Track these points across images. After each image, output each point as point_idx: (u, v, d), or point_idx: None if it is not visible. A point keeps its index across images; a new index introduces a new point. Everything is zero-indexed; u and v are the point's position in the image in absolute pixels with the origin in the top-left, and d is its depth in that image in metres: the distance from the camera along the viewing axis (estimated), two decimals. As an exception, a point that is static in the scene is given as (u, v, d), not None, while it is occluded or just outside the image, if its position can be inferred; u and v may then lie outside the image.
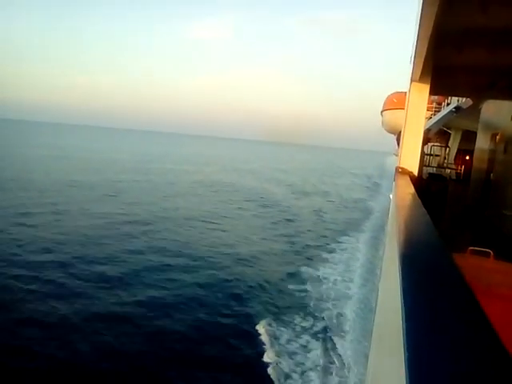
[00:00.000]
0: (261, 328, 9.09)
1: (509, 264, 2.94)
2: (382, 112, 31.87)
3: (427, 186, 13.64)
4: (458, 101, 17.47)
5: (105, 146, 77.14)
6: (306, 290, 12.29)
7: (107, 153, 59.62)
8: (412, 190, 4.42)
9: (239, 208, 24.55)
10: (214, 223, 20.38)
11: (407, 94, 7.47)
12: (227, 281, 12.29)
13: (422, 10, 3.81)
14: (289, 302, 11.17)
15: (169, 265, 13.55)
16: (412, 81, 7.22)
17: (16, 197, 22.79)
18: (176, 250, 15.15)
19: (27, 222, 17.71)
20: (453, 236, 9.26)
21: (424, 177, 14.47)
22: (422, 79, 7.05)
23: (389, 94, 36.61)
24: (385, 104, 34.69)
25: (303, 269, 14.47)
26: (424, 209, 3.91)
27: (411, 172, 7.12)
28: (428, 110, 24.07)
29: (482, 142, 13.28)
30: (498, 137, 11.02)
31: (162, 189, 29.41)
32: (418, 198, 3.95)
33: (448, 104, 19.83)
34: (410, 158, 7.27)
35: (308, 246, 17.85)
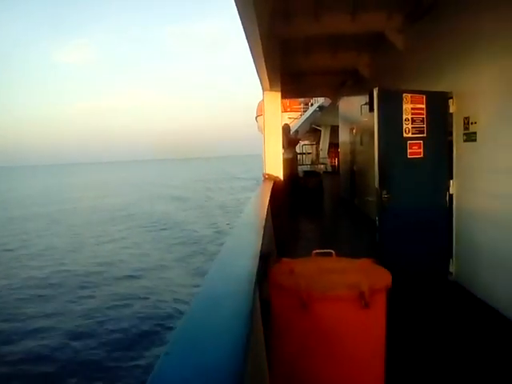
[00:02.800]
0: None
1: (348, 259, 3.11)
2: (256, 118, 33.12)
3: (304, 183, 14.41)
4: (318, 100, 18.87)
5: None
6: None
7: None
8: (265, 199, 4.57)
9: (128, 230, 23.06)
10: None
11: (262, 103, 7.77)
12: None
13: (257, 24, 3.96)
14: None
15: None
16: (264, 90, 7.52)
17: None
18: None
19: None
20: (331, 230, 9.92)
21: (300, 175, 15.25)
22: (272, 87, 7.37)
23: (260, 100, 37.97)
24: (257, 110, 36.13)
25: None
26: (269, 219, 4.05)
27: (277, 177, 7.39)
28: (297, 111, 25.61)
29: (344, 136, 14.41)
30: (354, 130, 12.01)
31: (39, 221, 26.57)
32: (267, 207, 4.06)
33: (312, 104, 21.34)
34: (274, 163, 7.55)
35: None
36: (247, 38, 4.42)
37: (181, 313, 9.46)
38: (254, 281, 1.67)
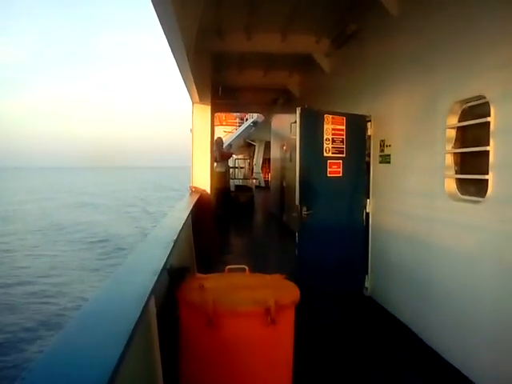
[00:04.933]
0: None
1: (259, 275, 3.14)
2: (190, 129, 33.01)
3: (235, 197, 14.46)
4: (253, 116, 19.18)
5: None
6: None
7: None
8: (184, 213, 4.51)
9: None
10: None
11: (191, 115, 7.73)
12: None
13: (181, 39, 3.93)
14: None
15: None
16: (193, 102, 7.50)
17: None
18: None
19: None
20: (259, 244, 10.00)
21: (232, 189, 15.30)
22: (202, 100, 7.37)
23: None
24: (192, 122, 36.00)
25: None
26: (186, 233, 4.03)
27: (204, 190, 7.35)
28: (232, 125, 25.82)
29: (275, 152, 14.69)
30: (284, 147, 12.28)
31: None
32: (185, 220, 4.02)
33: (247, 119, 21.65)
34: (202, 176, 7.52)
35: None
36: (173, 52, 4.40)
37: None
38: (146, 297, 1.63)
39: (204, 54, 7.07)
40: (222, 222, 10.47)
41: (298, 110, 5.11)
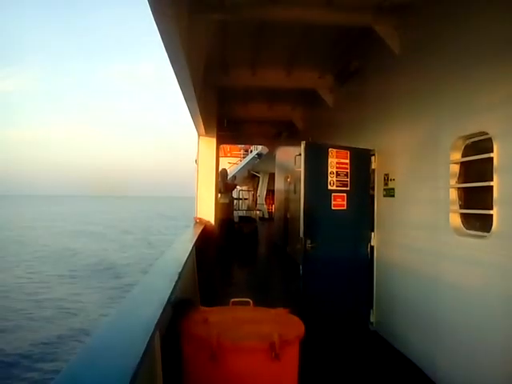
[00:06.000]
0: None
1: (264, 309, 3.12)
2: (195, 160, 33.38)
3: (239, 229, 14.43)
4: (257, 148, 19.40)
5: None
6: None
7: None
8: (189, 245, 4.52)
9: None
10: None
11: (197, 147, 7.84)
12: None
13: (189, 74, 4.06)
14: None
15: None
16: (199, 135, 7.62)
17: None
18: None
19: None
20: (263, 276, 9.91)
21: (236, 220, 15.29)
22: (208, 133, 7.50)
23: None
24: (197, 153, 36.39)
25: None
26: (191, 266, 4.02)
27: (208, 221, 7.37)
28: (237, 157, 26.05)
29: (279, 184, 14.78)
30: (288, 179, 12.37)
31: None
32: (189, 252, 4.02)
33: (251, 151, 21.88)
34: (207, 208, 7.55)
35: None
36: (181, 87, 4.52)
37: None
38: (151, 331, 1.63)
39: (210, 88, 7.24)
40: (226, 253, 10.42)
41: (303, 144, 5.18)
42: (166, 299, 2.17)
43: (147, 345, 1.52)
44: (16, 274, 20.12)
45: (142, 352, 1.42)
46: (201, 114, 6.10)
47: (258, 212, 22.18)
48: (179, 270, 2.96)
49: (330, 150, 5.34)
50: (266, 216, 23.81)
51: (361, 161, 5.62)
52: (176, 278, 2.69)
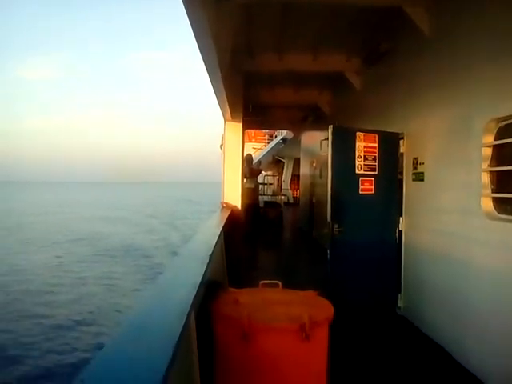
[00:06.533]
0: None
1: (293, 291, 3.16)
2: (220, 146, 33.55)
3: (264, 214, 14.52)
4: (282, 133, 19.33)
5: None
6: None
7: None
8: (217, 228, 4.59)
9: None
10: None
11: (223, 132, 7.88)
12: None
13: (217, 59, 4.08)
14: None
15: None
16: (225, 120, 7.65)
17: None
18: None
19: None
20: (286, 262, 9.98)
21: (261, 205, 15.37)
22: (234, 118, 7.52)
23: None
24: (222, 139, 36.42)
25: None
26: (220, 249, 4.09)
27: (235, 206, 7.44)
28: (261, 142, 26.01)
29: (305, 169, 14.72)
30: (314, 164, 12.31)
31: None
32: (218, 236, 4.09)
33: (276, 136, 21.81)
34: (233, 193, 7.62)
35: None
36: (208, 72, 4.54)
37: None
38: (187, 311, 1.69)
39: (236, 73, 7.24)
40: (251, 238, 10.52)
41: (330, 128, 5.15)
42: (199, 280, 2.23)
43: (185, 323, 1.58)
44: (55, 253, 21.32)
45: (180, 329, 1.48)
46: (227, 100, 6.12)
47: (282, 197, 22.20)
48: (209, 252, 3.03)
49: (357, 133, 5.28)
50: (291, 201, 23.82)
51: (389, 144, 5.55)
52: (207, 260, 2.76)
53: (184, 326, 1.56)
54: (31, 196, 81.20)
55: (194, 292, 1.98)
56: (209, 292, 2.89)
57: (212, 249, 3.25)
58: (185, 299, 1.85)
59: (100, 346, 1.37)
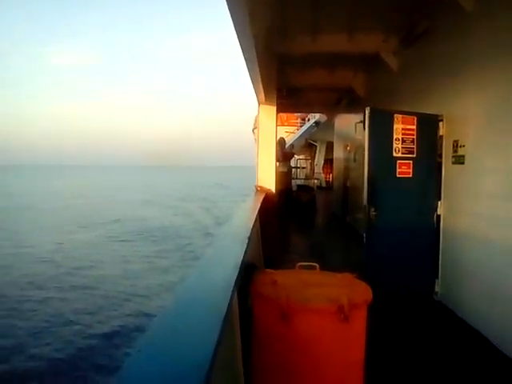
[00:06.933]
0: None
1: (330, 273, 3.17)
2: (253, 130, 33.41)
3: (297, 197, 14.49)
4: (315, 116, 19.11)
5: None
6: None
7: None
8: (253, 212, 4.63)
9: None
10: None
11: (257, 116, 7.87)
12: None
13: (253, 41, 4.08)
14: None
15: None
16: (259, 103, 7.64)
17: None
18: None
19: None
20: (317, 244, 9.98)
21: (294, 189, 15.34)
22: (268, 101, 7.50)
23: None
24: (254, 122, 36.43)
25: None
26: (256, 231, 4.13)
27: (269, 189, 7.47)
28: (294, 126, 25.81)
29: (338, 152, 14.55)
30: (348, 147, 12.14)
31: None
32: (255, 219, 4.13)
33: (308, 119, 21.59)
34: (267, 176, 7.64)
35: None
36: (244, 54, 4.54)
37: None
38: (231, 290, 1.73)
39: (271, 55, 7.18)
40: (285, 221, 10.56)
41: (367, 110, 5.06)
42: (240, 261, 2.28)
43: (229, 302, 1.63)
44: (98, 233, 22.57)
45: (225, 310, 1.52)
46: (262, 82, 6.10)
47: (315, 181, 22.08)
48: (248, 234, 3.08)
49: (395, 115, 5.18)
50: (324, 185, 23.63)
51: (428, 127, 5.41)
52: (246, 241, 2.81)
53: (229, 303, 1.61)
54: (85, 179, 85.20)
55: (236, 272, 2.02)
56: (248, 273, 2.95)
57: (250, 231, 3.29)
58: (228, 279, 1.90)
59: (150, 317, 1.44)
